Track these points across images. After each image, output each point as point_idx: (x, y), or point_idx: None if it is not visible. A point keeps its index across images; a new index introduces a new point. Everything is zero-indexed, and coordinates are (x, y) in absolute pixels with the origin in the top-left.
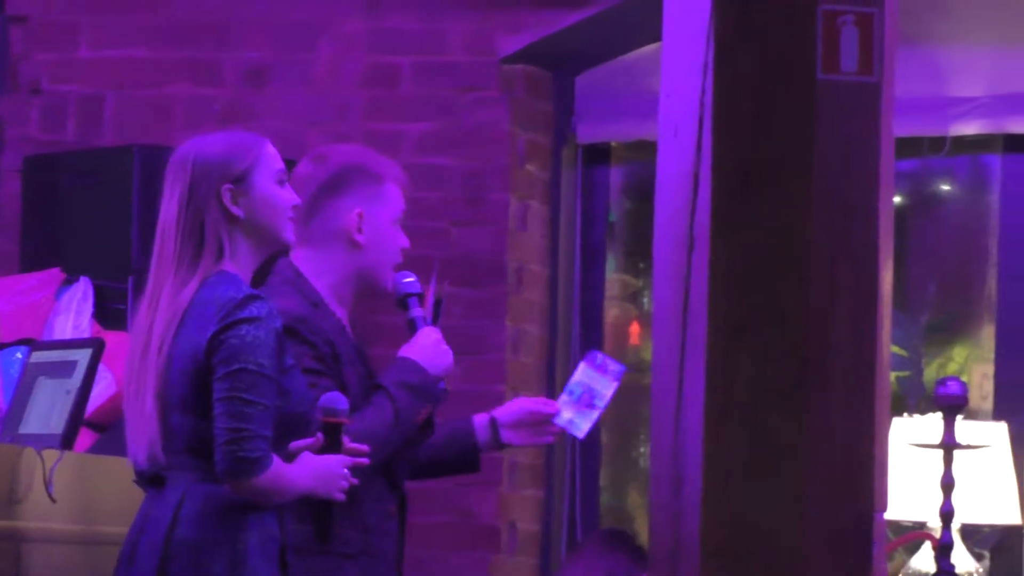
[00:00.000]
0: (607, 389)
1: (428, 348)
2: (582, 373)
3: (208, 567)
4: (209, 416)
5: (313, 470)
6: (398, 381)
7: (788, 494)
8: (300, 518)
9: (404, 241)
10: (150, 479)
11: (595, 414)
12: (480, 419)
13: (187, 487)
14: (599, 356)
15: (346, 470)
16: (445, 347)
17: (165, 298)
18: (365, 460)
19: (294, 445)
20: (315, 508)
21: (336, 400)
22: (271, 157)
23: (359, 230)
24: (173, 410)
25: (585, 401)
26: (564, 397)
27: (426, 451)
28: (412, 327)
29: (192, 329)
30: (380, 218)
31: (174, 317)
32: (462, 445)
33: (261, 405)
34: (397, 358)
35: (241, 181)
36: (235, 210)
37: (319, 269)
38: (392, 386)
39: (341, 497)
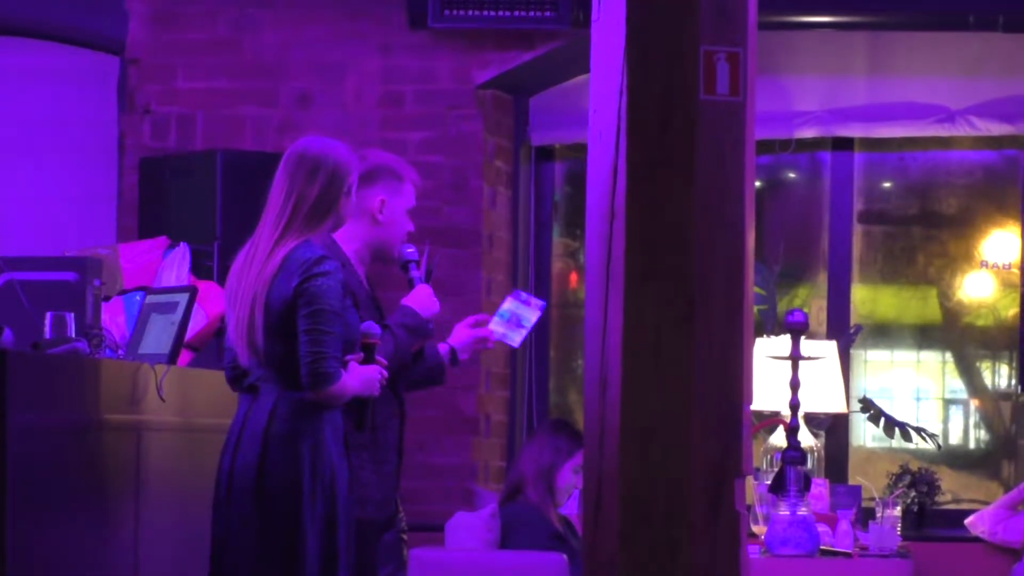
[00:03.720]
0: (532, 315)
1: (422, 299)
2: (509, 304)
3: (298, 450)
4: (295, 343)
5: (360, 376)
6: (399, 323)
7: (681, 392)
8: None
9: (410, 226)
10: (248, 388)
11: (524, 331)
12: (443, 347)
13: (279, 394)
14: (523, 294)
15: (379, 375)
16: (434, 299)
17: (279, 252)
18: (386, 372)
19: (347, 358)
20: (356, 403)
21: (372, 327)
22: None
23: (381, 212)
24: (269, 337)
25: (514, 322)
26: (496, 319)
27: (416, 371)
28: (411, 284)
29: (282, 279)
30: (397, 206)
31: (276, 267)
32: (437, 367)
33: (333, 334)
34: (400, 305)
35: (352, 186)
36: (348, 205)
37: (348, 237)
38: (395, 326)
39: (378, 393)
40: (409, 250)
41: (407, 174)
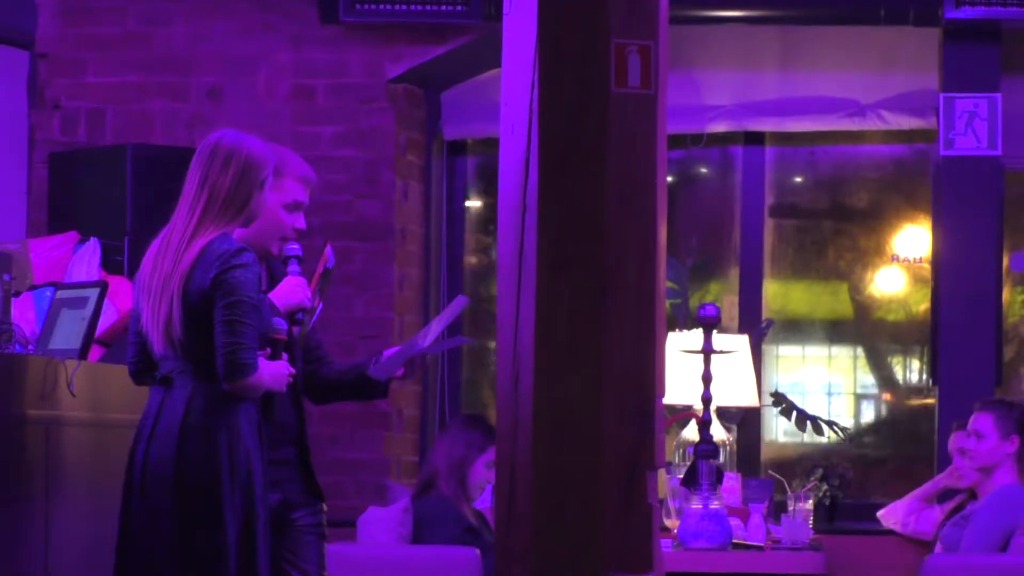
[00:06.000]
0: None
1: (284, 290)
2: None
3: (215, 443)
4: (212, 334)
5: (269, 371)
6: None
7: (593, 384)
8: None
9: (295, 222)
10: (161, 380)
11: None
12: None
13: (194, 386)
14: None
15: (287, 372)
16: (299, 290)
17: (196, 243)
18: (292, 369)
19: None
20: (263, 398)
21: (279, 322)
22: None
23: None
24: (186, 328)
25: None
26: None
27: (347, 388)
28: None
29: (200, 271)
30: (271, 200)
31: (192, 259)
32: (364, 384)
33: (250, 325)
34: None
35: (266, 181)
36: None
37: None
38: None
39: (284, 389)
40: (292, 246)
41: (290, 169)
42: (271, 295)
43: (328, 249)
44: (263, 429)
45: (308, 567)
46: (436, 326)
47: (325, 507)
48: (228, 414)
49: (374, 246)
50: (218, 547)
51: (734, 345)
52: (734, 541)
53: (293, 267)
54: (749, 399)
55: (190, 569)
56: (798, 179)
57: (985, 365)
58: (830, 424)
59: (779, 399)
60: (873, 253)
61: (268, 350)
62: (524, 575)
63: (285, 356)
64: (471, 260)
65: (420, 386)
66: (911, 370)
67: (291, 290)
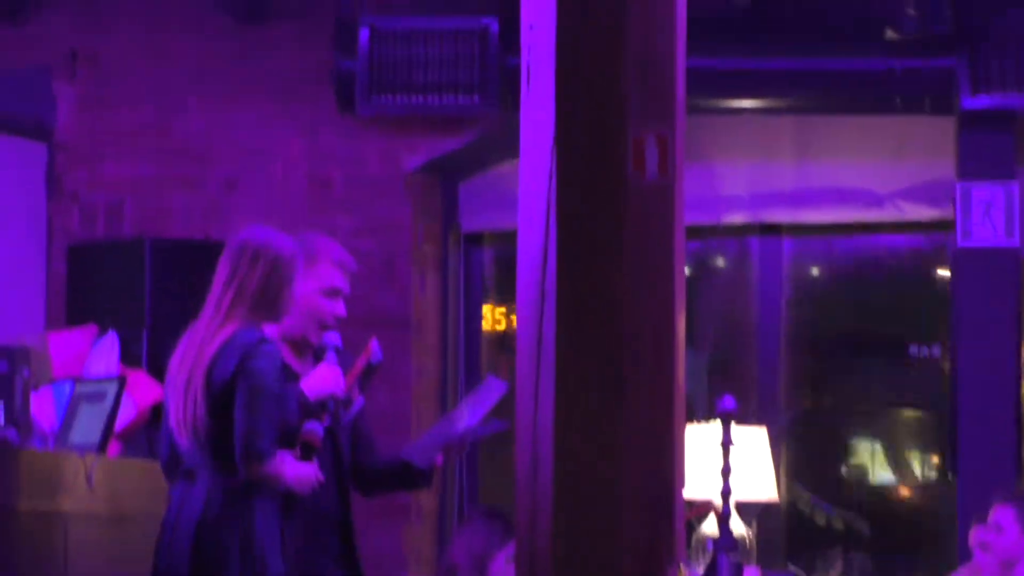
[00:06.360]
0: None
1: (315, 380)
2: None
3: (228, 541)
4: (231, 426)
5: (294, 471)
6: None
7: (613, 475)
8: None
9: (335, 308)
10: (184, 473)
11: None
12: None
13: (212, 480)
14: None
15: (314, 476)
16: (330, 380)
17: (220, 335)
18: (322, 477)
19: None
20: (283, 498)
21: (315, 426)
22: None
23: None
24: (209, 418)
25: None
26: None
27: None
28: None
29: (223, 361)
30: (306, 288)
31: (216, 349)
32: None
33: (269, 414)
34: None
35: (294, 278)
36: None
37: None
38: None
39: (308, 493)
40: (331, 336)
41: (325, 255)
42: (302, 383)
43: (374, 343)
44: (287, 524)
45: None
46: (470, 409)
47: None
48: (245, 509)
49: (391, 337)
50: None
51: (752, 438)
52: None
53: (330, 357)
54: (768, 492)
55: None
56: (815, 270)
57: (1005, 457)
58: (849, 517)
59: (798, 495)
60: (890, 345)
61: (297, 451)
62: None
63: (317, 462)
64: (488, 351)
65: (439, 477)
66: (929, 465)
67: (322, 379)
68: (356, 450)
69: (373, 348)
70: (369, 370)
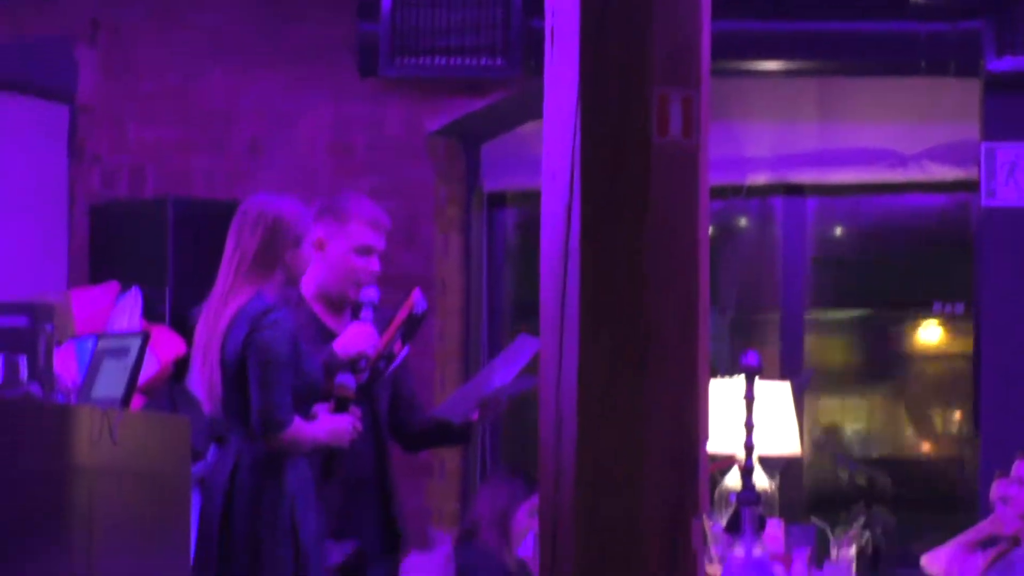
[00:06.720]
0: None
1: (347, 337)
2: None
3: (258, 504)
4: (248, 397)
5: (327, 427)
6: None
7: (636, 432)
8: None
9: (369, 264)
10: (216, 439)
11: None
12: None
13: (240, 446)
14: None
15: (350, 427)
16: (362, 337)
17: (231, 305)
18: (359, 425)
19: (316, 408)
20: (324, 454)
21: (347, 379)
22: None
23: (322, 251)
24: (226, 390)
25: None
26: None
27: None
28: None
29: (234, 332)
30: (338, 245)
31: (228, 321)
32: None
33: (282, 384)
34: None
35: (300, 238)
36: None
37: (307, 281)
38: None
39: (347, 445)
40: (368, 292)
41: (355, 212)
42: (335, 343)
43: (416, 293)
44: (323, 482)
45: None
46: (502, 366)
47: (397, 559)
48: (276, 471)
49: None
50: None
51: (776, 393)
52: None
53: (366, 314)
54: (791, 447)
55: None
56: (838, 230)
57: None
58: (871, 472)
59: (821, 448)
60: (914, 304)
61: (333, 404)
62: None
63: (356, 411)
64: (510, 311)
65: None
66: (952, 420)
67: (353, 338)
68: (396, 407)
69: (416, 298)
70: (412, 320)
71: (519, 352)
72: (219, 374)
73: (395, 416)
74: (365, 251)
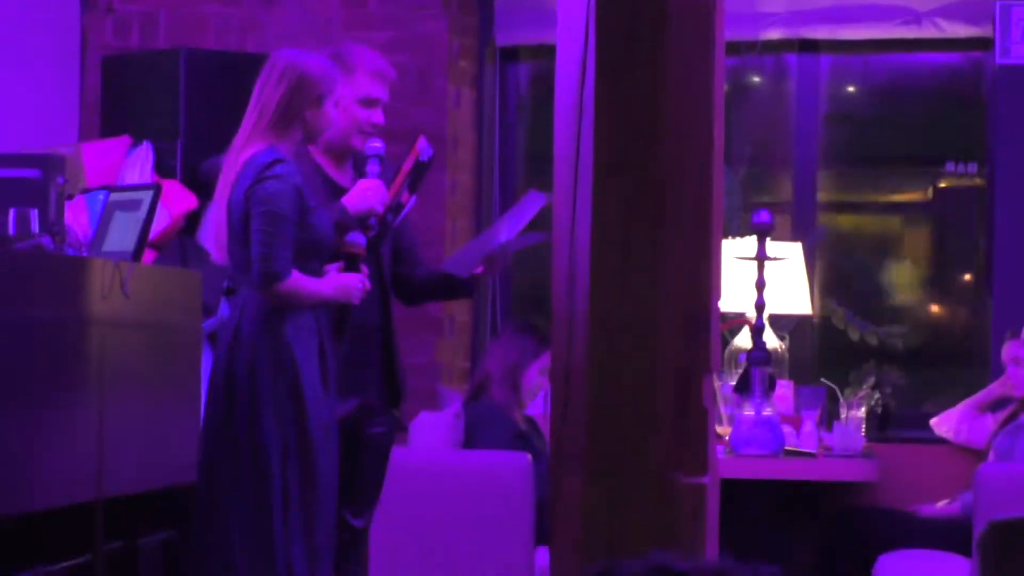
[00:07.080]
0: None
1: (357, 194)
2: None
3: (258, 350)
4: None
5: (334, 283)
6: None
7: (649, 287)
8: None
9: (372, 116)
10: (227, 290)
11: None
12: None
13: (247, 295)
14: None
15: (360, 285)
16: (372, 193)
17: (243, 156)
18: (368, 283)
19: (327, 267)
20: (336, 310)
21: (357, 236)
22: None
23: None
24: (232, 240)
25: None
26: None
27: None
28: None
29: (240, 183)
30: (343, 95)
31: (237, 172)
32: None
33: (282, 236)
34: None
35: (323, 97)
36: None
37: None
38: None
39: (356, 302)
40: (373, 144)
41: (360, 64)
42: (344, 199)
43: (422, 141)
44: (327, 336)
45: (367, 488)
46: (509, 222)
47: (398, 413)
48: (277, 323)
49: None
50: (260, 451)
51: (787, 252)
52: (786, 448)
53: (372, 167)
54: (801, 306)
55: (237, 467)
56: (851, 88)
57: None
58: (883, 333)
59: (832, 310)
60: (927, 163)
61: (340, 263)
62: (579, 479)
63: (365, 269)
64: (523, 166)
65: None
66: (964, 280)
67: (362, 194)
68: (397, 260)
69: (421, 146)
70: (418, 168)
71: (526, 207)
72: (225, 226)
73: (395, 267)
74: (369, 103)
